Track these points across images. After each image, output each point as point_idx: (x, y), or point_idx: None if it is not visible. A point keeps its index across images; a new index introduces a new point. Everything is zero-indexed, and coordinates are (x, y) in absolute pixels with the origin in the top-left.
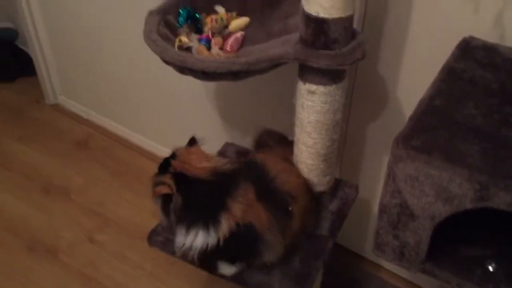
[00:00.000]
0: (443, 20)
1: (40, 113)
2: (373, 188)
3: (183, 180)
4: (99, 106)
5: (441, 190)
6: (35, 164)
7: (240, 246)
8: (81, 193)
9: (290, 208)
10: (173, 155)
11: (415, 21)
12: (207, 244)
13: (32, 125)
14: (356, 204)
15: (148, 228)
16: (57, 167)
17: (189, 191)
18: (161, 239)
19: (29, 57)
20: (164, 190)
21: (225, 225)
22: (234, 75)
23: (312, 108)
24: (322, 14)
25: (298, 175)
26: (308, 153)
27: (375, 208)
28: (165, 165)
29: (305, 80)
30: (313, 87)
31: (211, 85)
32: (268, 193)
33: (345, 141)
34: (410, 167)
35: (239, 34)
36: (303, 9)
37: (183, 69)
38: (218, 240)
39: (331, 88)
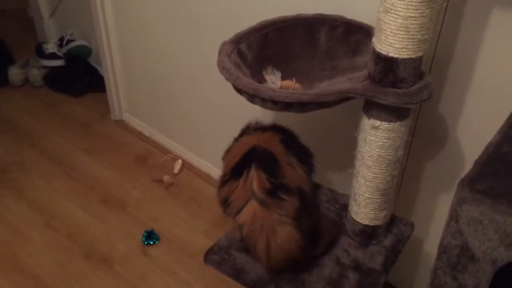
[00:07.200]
0: (510, 68)
1: (105, 128)
2: (426, 227)
3: None
4: (161, 125)
5: (505, 235)
6: (97, 175)
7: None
8: (137, 207)
9: None
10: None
11: (481, 67)
12: None
13: (97, 138)
14: (408, 241)
15: (199, 247)
16: (117, 180)
17: None
18: (217, 258)
19: (99, 74)
20: None
21: None
22: (303, 106)
23: (375, 143)
24: (392, 54)
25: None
26: (367, 187)
27: (427, 247)
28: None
29: (370, 116)
30: (377, 122)
31: (276, 116)
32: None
33: (402, 177)
34: (475, 210)
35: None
36: (373, 48)
37: (254, 98)
38: None
39: (395, 125)
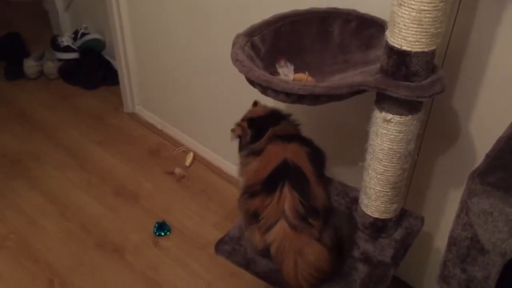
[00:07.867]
0: None
1: (118, 121)
2: (437, 221)
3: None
4: (173, 119)
5: None
6: (110, 167)
7: None
8: (149, 199)
9: None
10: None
11: (494, 62)
12: None
13: (110, 131)
14: (418, 236)
15: (210, 239)
16: (130, 172)
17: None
18: (228, 248)
19: (112, 67)
20: (238, 131)
21: None
22: (315, 98)
23: (386, 136)
24: (405, 47)
25: None
26: (378, 180)
27: (437, 242)
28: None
29: (381, 109)
30: (389, 116)
31: (287, 109)
32: None
33: (413, 171)
34: (485, 203)
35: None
36: (386, 41)
37: (267, 90)
38: None
39: (406, 118)
